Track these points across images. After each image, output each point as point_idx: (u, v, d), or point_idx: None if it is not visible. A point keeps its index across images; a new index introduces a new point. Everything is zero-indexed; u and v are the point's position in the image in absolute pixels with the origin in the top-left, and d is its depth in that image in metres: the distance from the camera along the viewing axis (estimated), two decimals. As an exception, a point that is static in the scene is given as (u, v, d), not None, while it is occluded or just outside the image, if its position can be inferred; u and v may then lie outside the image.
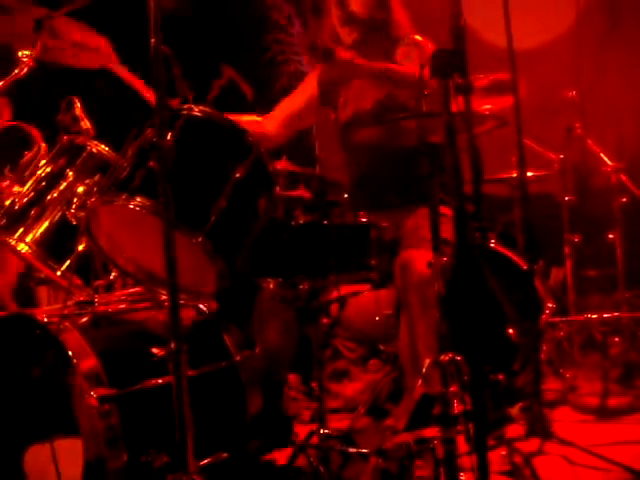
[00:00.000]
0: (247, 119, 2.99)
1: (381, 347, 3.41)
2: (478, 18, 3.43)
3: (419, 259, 2.39)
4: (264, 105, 3.89)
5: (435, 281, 2.15)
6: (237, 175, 2.06)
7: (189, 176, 2.00)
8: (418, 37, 2.85)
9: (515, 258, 3.28)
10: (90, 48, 2.65)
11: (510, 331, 2.98)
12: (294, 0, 5.14)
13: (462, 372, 2.24)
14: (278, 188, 2.39)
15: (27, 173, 2.61)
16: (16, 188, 2.59)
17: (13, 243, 2.31)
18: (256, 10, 4.94)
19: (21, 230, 2.31)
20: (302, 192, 3.51)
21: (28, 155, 2.68)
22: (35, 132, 4.11)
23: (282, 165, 3.51)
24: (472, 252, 1.76)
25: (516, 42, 2.72)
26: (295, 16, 5.15)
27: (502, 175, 3.86)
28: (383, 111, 2.74)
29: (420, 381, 2.33)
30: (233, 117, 2.86)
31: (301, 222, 2.30)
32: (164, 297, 2.24)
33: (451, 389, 2.20)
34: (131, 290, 2.45)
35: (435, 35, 2.84)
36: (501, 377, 2.63)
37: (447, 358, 2.19)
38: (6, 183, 2.65)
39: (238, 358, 2.28)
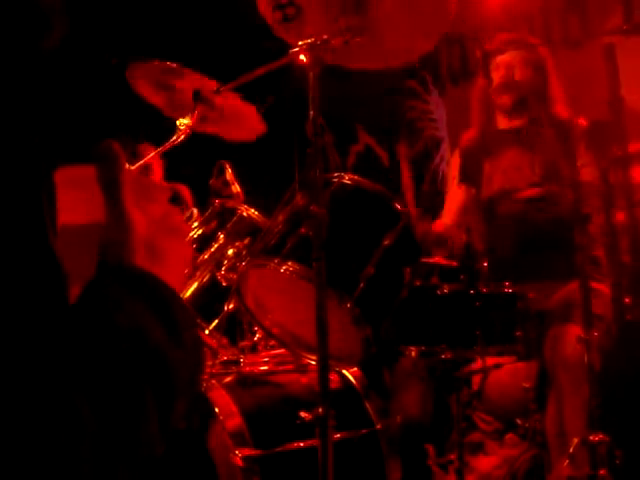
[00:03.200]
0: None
1: (518, 421, 3.29)
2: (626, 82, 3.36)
3: (571, 334, 2.31)
4: (399, 170, 3.91)
5: (586, 357, 2.07)
6: (386, 242, 2.07)
7: (339, 242, 2.03)
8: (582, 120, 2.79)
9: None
10: (244, 121, 2.75)
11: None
12: (431, 68, 5.20)
13: (614, 455, 2.14)
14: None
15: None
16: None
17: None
18: (393, 77, 5.02)
19: (173, 289, 2.40)
20: (439, 259, 3.48)
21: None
22: (187, 194, 4.31)
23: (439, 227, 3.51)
24: (633, 329, 1.69)
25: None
26: (432, 84, 5.21)
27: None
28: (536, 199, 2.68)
29: (567, 461, 2.24)
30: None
31: (446, 291, 2.28)
32: (307, 361, 2.26)
33: (600, 472, 2.10)
34: (275, 352, 2.49)
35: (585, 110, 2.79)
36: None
37: (597, 438, 2.10)
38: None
39: (379, 426, 2.26)
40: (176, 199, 4.08)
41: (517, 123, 2.89)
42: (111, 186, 0.71)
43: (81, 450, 0.56)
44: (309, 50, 1.88)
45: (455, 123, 4.66)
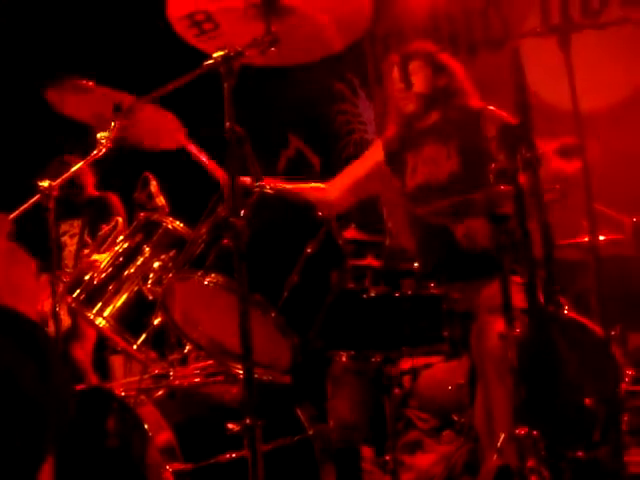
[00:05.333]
0: (310, 186, 3.05)
1: (454, 417, 3.34)
2: (542, 80, 3.46)
3: (493, 329, 2.36)
4: (331, 175, 3.94)
5: (508, 352, 2.12)
6: (308, 250, 2.08)
7: (262, 252, 2.04)
8: (491, 107, 2.87)
9: (591, 325, 3.20)
10: (165, 130, 2.75)
11: (588, 401, 2.89)
12: (359, 71, 5.25)
13: (539, 446, 2.19)
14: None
15: (105, 245, 2.70)
16: (94, 256, 2.68)
17: (92, 317, 2.38)
18: (321, 81, 5.05)
19: (99, 304, 2.38)
20: (371, 261, 3.52)
21: (106, 228, 2.77)
22: (116, 202, 4.25)
23: (351, 234, 3.54)
24: (546, 321, 1.74)
25: (584, 104, 2.71)
26: (360, 86, 5.25)
27: (574, 240, 3.80)
28: (457, 184, 2.75)
29: (495, 455, 2.28)
30: (297, 185, 2.92)
31: (372, 294, 2.30)
32: (237, 371, 2.26)
33: (528, 464, 2.15)
34: (204, 364, 2.48)
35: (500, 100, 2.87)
36: (580, 453, 2.54)
37: (522, 432, 2.15)
38: (86, 251, 2.75)
39: (311, 432, 2.27)
40: (105, 209, 4.04)
41: (430, 120, 2.96)
42: None
43: None
44: (223, 61, 1.88)
45: (383, 124, 4.71)
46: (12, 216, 2.66)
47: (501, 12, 4.31)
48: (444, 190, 2.76)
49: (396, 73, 2.98)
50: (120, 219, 2.82)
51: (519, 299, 2.25)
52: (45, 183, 2.65)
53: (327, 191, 3.14)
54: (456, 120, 2.90)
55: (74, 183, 4.04)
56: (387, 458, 2.52)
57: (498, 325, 2.28)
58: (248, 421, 1.81)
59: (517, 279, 2.33)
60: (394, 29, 4.70)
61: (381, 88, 4.80)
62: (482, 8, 4.49)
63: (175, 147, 2.73)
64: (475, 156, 2.77)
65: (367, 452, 3.34)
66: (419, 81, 2.93)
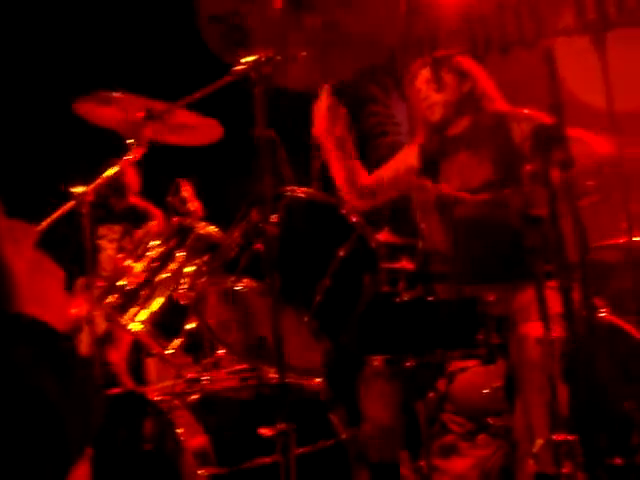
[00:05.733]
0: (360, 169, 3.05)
1: (490, 421, 3.31)
2: (576, 79, 3.41)
3: (532, 335, 2.33)
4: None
5: (548, 358, 2.09)
6: (341, 253, 2.08)
7: (294, 256, 2.04)
8: (525, 110, 2.83)
9: (628, 327, 3.15)
10: (196, 128, 2.76)
11: (626, 406, 2.84)
12: (391, 72, 5.22)
13: (576, 452, 2.15)
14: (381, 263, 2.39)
15: (139, 251, 2.72)
16: (129, 262, 2.70)
17: (125, 322, 2.40)
18: (353, 83, 5.03)
19: (134, 309, 2.39)
20: (405, 263, 3.50)
21: (139, 234, 2.80)
22: (157, 214, 4.28)
23: (384, 236, 3.52)
24: (583, 325, 1.71)
25: (618, 103, 2.67)
26: (393, 88, 5.22)
27: (611, 241, 3.74)
28: (491, 192, 2.72)
29: (531, 461, 2.25)
30: (352, 163, 2.90)
31: (405, 299, 2.28)
32: (271, 375, 2.26)
33: (564, 470, 2.12)
34: (238, 368, 2.48)
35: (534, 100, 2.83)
36: (618, 459, 2.50)
37: (561, 438, 2.12)
38: (121, 255, 2.77)
39: (344, 436, 2.26)
40: (144, 216, 4.07)
41: (459, 127, 2.93)
42: None
43: None
44: (254, 67, 1.89)
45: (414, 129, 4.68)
46: (46, 222, 2.69)
47: (534, 10, 4.26)
48: (480, 201, 2.72)
49: (420, 82, 2.95)
50: (153, 224, 2.84)
51: (556, 303, 2.21)
52: (79, 189, 2.67)
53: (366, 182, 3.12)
54: (484, 126, 2.86)
55: (117, 189, 4.07)
56: (421, 463, 2.50)
57: (536, 330, 2.25)
58: (281, 426, 1.81)
59: (553, 283, 2.30)
60: (427, 30, 4.67)
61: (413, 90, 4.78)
62: (515, 7, 4.44)
63: (208, 143, 2.75)
64: (507, 161, 2.74)
65: (402, 456, 3.33)
66: (434, 92, 2.90)
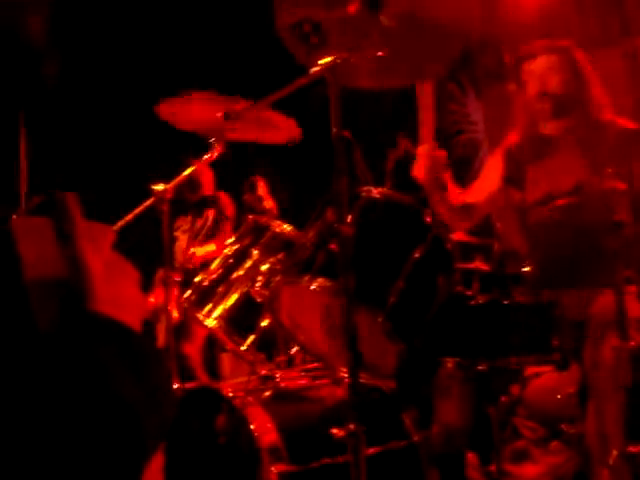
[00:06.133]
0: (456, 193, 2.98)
1: (564, 428, 3.25)
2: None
3: (609, 343, 2.28)
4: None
5: (623, 366, 2.04)
6: (416, 255, 2.07)
7: (368, 257, 2.04)
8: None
9: None
10: (275, 127, 2.79)
11: None
12: (467, 69, 5.16)
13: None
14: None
15: (200, 237, 2.77)
16: (192, 250, 2.76)
17: (202, 318, 2.44)
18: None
19: (209, 306, 2.44)
20: (479, 264, 3.46)
21: (200, 222, 2.85)
22: (226, 201, 4.36)
23: (459, 236, 3.49)
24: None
25: None
26: (469, 86, 5.16)
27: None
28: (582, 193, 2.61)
29: (606, 471, 2.20)
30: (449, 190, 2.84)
31: (480, 302, 2.26)
32: (343, 374, 2.27)
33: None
34: (311, 366, 2.50)
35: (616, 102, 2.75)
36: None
37: (637, 450, 2.06)
38: (184, 244, 2.82)
39: (416, 438, 2.26)
40: (212, 206, 4.14)
41: (559, 128, 2.83)
42: (68, 238, 0.73)
43: None
44: (330, 69, 1.89)
45: (494, 125, 4.62)
46: (126, 219, 2.76)
47: (619, 8, 4.15)
48: (569, 204, 2.63)
49: (535, 67, 2.81)
50: (211, 212, 2.89)
51: (635, 309, 2.16)
52: (159, 187, 2.74)
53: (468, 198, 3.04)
54: (585, 131, 2.75)
55: (192, 183, 4.16)
56: (492, 468, 2.48)
57: (613, 337, 2.20)
58: (352, 427, 1.81)
59: (633, 288, 2.24)
60: (505, 28, 4.60)
61: (492, 88, 4.71)
62: (598, 5, 4.33)
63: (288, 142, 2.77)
64: (599, 169, 2.64)
65: (473, 459, 3.30)
66: (553, 80, 2.79)
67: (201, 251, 3.74)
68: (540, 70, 2.80)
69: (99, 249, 0.76)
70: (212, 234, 4.05)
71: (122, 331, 0.72)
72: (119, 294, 0.75)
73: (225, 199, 4.36)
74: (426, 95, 2.78)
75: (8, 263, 0.66)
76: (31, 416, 0.61)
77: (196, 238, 2.76)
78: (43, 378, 0.64)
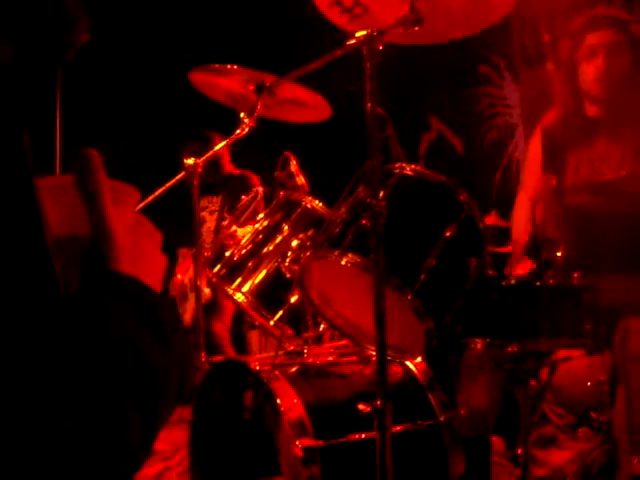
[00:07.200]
0: None
1: (593, 415, 3.21)
2: None
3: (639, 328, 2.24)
4: (473, 158, 3.85)
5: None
6: (447, 234, 2.05)
7: (400, 234, 2.02)
8: None
9: None
10: (307, 105, 2.77)
11: None
12: (504, 52, 5.09)
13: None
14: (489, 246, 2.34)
15: (245, 216, 2.77)
16: (234, 228, 2.75)
17: (231, 292, 2.44)
18: (464, 62, 4.94)
19: (239, 280, 2.43)
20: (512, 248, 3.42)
21: (245, 199, 2.85)
22: (255, 179, 4.37)
23: (491, 220, 3.45)
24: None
25: None
26: (506, 69, 5.10)
27: None
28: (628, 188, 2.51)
29: (636, 460, 2.17)
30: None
31: (512, 282, 2.23)
32: (371, 352, 2.26)
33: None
34: (338, 343, 2.49)
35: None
36: None
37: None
38: (225, 222, 2.83)
39: (442, 418, 2.24)
40: (245, 185, 4.13)
41: (607, 111, 2.73)
42: (93, 196, 0.72)
43: (56, 458, 0.57)
44: (366, 41, 1.87)
45: (530, 108, 4.56)
46: (159, 192, 2.77)
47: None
48: (611, 192, 2.55)
49: (596, 42, 2.63)
50: (260, 189, 2.89)
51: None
52: (190, 160, 2.74)
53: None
54: (634, 118, 2.62)
55: (211, 161, 4.17)
56: (518, 452, 2.45)
57: (644, 323, 2.17)
58: (379, 403, 1.80)
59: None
60: (543, 9, 4.52)
61: (529, 71, 4.64)
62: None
63: (319, 121, 2.76)
64: None
65: (498, 444, 3.28)
66: (615, 61, 2.66)
67: (242, 232, 3.72)
68: (603, 47, 2.65)
69: (123, 209, 0.75)
70: (251, 217, 4.04)
71: (144, 291, 0.72)
72: (141, 255, 0.75)
73: (255, 179, 4.36)
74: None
75: (33, 221, 0.65)
76: (52, 377, 0.61)
77: (240, 216, 2.76)
78: (65, 338, 0.63)
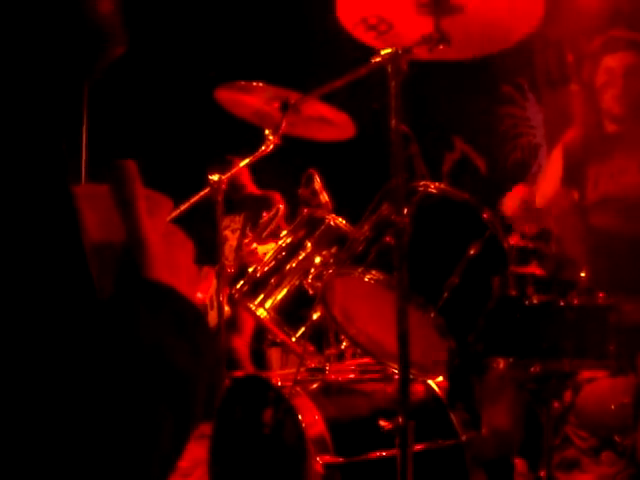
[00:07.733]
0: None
1: (616, 438, 3.17)
2: None
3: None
4: (497, 179, 3.84)
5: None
6: (471, 252, 2.04)
7: (423, 252, 2.02)
8: None
9: None
10: (332, 122, 2.79)
11: None
12: (527, 73, 5.10)
13: None
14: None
15: (266, 233, 2.78)
16: (255, 245, 2.77)
17: (253, 308, 2.45)
18: (488, 83, 4.95)
19: (262, 296, 2.44)
20: (534, 269, 3.40)
21: (267, 216, 2.86)
22: (277, 197, 4.40)
23: (515, 240, 3.44)
24: None
25: None
26: (529, 90, 5.10)
27: None
28: None
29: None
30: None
31: (535, 302, 2.22)
32: (392, 370, 2.26)
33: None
34: (361, 361, 2.49)
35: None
36: None
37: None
38: (247, 239, 2.84)
39: (464, 438, 2.23)
40: (268, 205, 4.15)
41: (626, 127, 2.74)
42: (129, 204, 0.73)
43: (88, 466, 0.58)
44: (391, 59, 1.88)
45: (553, 129, 4.55)
46: (183, 207, 2.79)
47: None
48: (629, 206, 2.54)
49: (616, 65, 2.69)
50: (281, 207, 2.90)
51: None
52: (215, 177, 2.77)
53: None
54: None
55: (233, 181, 4.20)
56: (541, 474, 2.43)
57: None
58: (400, 420, 1.80)
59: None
60: (567, 30, 4.52)
61: (552, 92, 4.63)
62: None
63: (344, 139, 2.77)
64: None
65: (520, 465, 3.24)
66: (634, 83, 2.68)
67: (263, 249, 3.75)
68: (621, 69, 2.68)
69: (157, 217, 0.76)
70: (272, 234, 4.06)
71: (177, 299, 0.73)
72: (175, 263, 0.75)
73: (278, 198, 4.38)
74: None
75: (71, 228, 0.66)
76: (85, 382, 0.61)
77: (262, 233, 2.77)
78: (99, 345, 0.64)
